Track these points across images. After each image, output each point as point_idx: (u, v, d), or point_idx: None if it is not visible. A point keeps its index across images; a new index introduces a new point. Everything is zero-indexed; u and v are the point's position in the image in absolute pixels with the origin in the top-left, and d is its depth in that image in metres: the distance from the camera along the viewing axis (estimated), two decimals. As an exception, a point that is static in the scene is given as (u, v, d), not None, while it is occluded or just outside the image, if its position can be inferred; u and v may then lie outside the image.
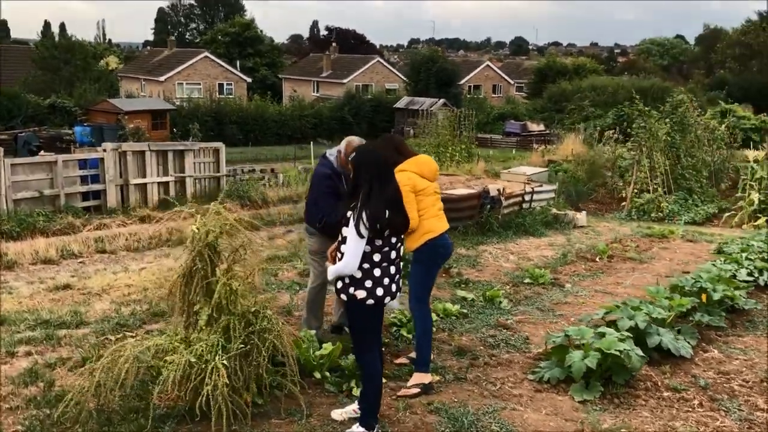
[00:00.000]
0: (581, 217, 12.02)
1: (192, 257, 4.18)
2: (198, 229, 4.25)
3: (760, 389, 4.84)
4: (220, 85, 44.35)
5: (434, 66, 40.31)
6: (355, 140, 5.14)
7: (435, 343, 5.58)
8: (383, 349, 5.32)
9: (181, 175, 13.52)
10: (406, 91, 42.86)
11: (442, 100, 36.70)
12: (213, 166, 14.30)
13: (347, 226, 3.71)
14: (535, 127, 35.93)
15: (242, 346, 4.12)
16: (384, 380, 4.76)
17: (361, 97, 40.38)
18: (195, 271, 4.21)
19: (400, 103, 38.89)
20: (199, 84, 43.36)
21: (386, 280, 3.76)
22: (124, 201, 12.66)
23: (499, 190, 11.14)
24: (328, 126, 37.62)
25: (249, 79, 46.60)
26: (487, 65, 55.04)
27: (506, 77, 55.57)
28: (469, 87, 51.08)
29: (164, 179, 13.25)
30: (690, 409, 4.51)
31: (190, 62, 43.84)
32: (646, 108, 15.42)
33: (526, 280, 7.84)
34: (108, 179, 12.36)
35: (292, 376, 4.19)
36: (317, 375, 4.81)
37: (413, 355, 5.18)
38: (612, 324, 5.52)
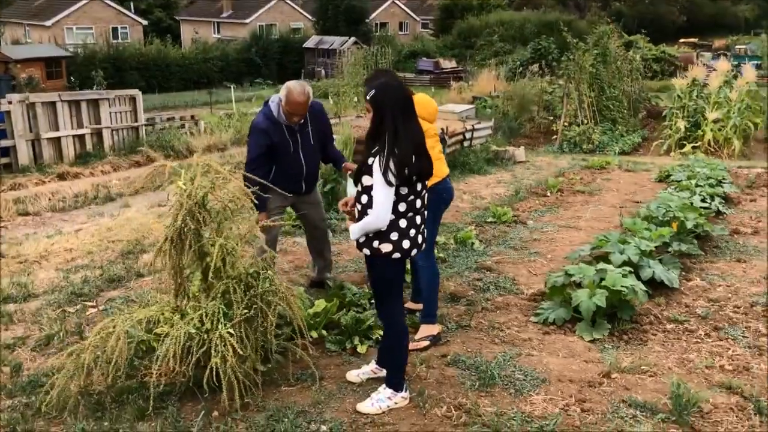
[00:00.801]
0: (520, 152, 12.01)
1: (182, 217, 3.72)
2: (185, 185, 3.78)
3: (755, 314, 4.90)
4: (114, 29, 41.39)
5: (342, 3, 39.18)
6: (296, 88, 4.54)
7: (422, 291, 5.38)
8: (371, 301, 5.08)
9: (98, 126, 12.50)
10: (314, 30, 41.56)
11: (352, 39, 35.81)
12: (130, 116, 13.29)
13: (370, 174, 3.35)
14: (448, 64, 35.68)
15: (245, 311, 3.75)
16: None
17: (268, 38, 38.81)
18: (186, 232, 3.75)
19: (309, 43, 37.68)
20: (91, 28, 40.32)
21: (412, 231, 3.44)
22: (36, 157, 11.59)
23: (443, 129, 10.90)
24: (235, 69, 36.02)
25: (144, 22, 43.80)
26: (393, 2, 53.96)
27: (412, 14, 54.85)
28: (376, 25, 50.08)
29: (79, 132, 12.21)
30: (699, 340, 4.51)
31: (80, 5, 40.53)
32: (575, 40, 15.48)
33: (489, 219, 7.71)
34: (17, 134, 11.25)
35: (302, 340, 3.87)
36: (314, 334, 4.49)
37: (408, 305, 4.95)
38: (601, 258, 5.47)
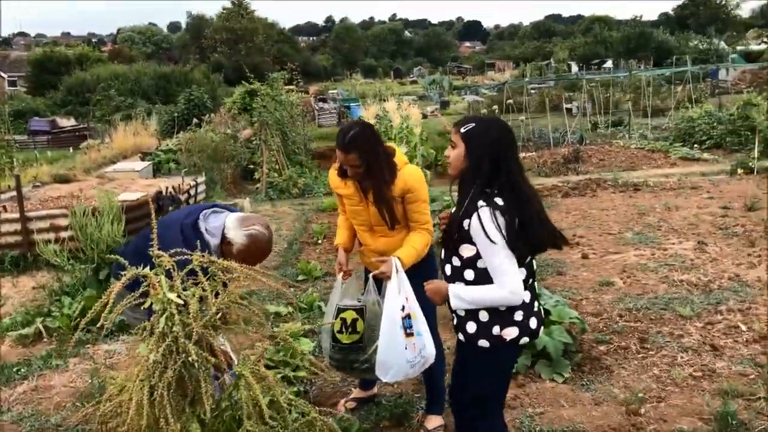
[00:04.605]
0: (247, 204, 11.27)
1: (194, 350, 2.41)
2: (179, 296, 2.47)
3: (646, 319, 5.22)
4: None
5: None
6: (265, 234, 3.12)
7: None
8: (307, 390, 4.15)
9: None
10: None
11: (-63, 101, 29.99)
12: None
13: (465, 241, 2.61)
14: (66, 123, 32.23)
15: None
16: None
17: None
18: (198, 368, 2.45)
19: None
20: None
21: (536, 305, 2.77)
22: None
23: (174, 187, 9.65)
24: None
25: None
26: (-30, 58, 47.03)
27: (-3, 70, 48.51)
28: (-48, 83, 42.92)
29: None
30: (644, 355, 4.60)
31: None
32: (261, 85, 15.17)
33: (301, 278, 6.98)
34: None
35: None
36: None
37: (359, 393, 4.12)
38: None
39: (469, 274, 2.65)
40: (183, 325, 2.44)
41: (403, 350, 3.23)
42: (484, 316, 2.66)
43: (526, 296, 2.67)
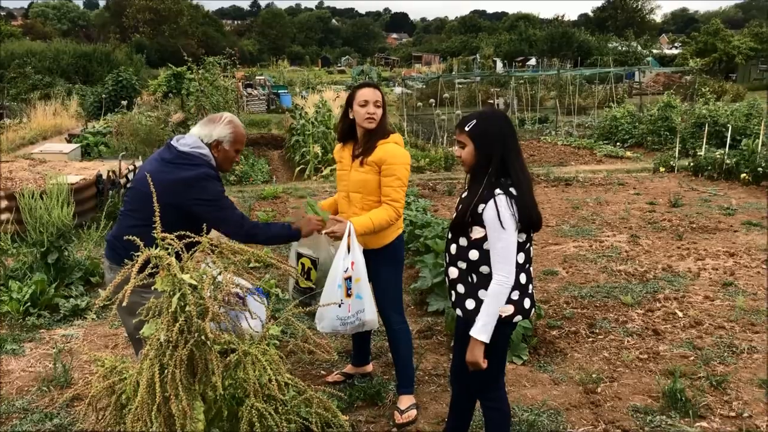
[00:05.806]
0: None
1: (207, 329, 2.48)
2: (191, 277, 2.53)
3: (583, 304, 5.56)
4: None
5: None
6: (236, 119, 3.38)
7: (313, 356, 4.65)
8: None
9: None
10: None
11: None
12: None
13: (476, 223, 2.78)
14: (-22, 100, 30.59)
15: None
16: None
17: None
18: (210, 347, 2.52)
19: None
20: None
21: (531, 287, 2.96)
22: None
23: (114, 171, 9.43)
24: None
25: None
26: None
27: None
28: None
29: None
30: (592, 339, 4.92)
31: None
32: (192, 69, 14.92)
33: (252, 265, 6.99)
34: None
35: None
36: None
37: (348, 370, 4.29)
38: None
39: (473, 254, 2.82)
40: (196, 305, 2.51)
41: (336, 307, 3.46)
42: (483, 294, 2.83)
43: (522, 278, 2.85)
